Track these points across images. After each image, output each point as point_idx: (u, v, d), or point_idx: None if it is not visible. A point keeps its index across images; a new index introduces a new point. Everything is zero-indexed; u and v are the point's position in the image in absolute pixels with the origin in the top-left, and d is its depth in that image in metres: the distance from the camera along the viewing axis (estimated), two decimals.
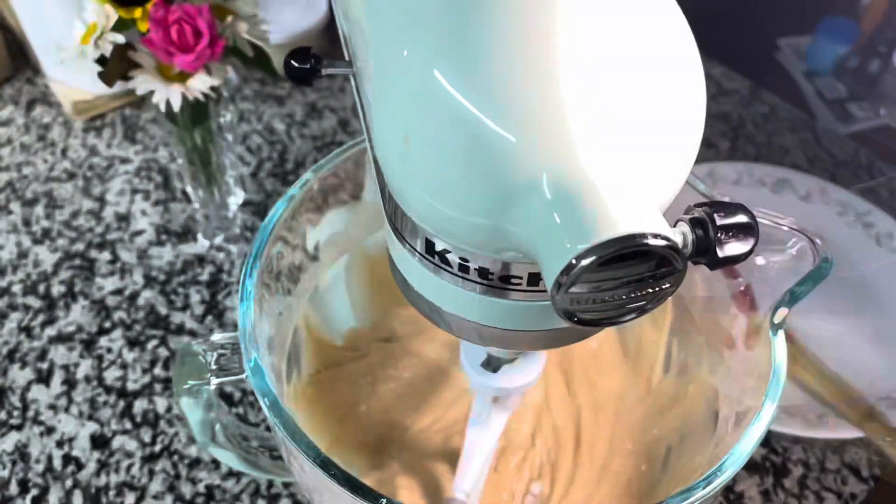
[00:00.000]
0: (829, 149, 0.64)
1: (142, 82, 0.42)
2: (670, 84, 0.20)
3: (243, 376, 0.31)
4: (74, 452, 0.44)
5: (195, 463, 0.44)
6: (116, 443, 0.45)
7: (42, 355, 0.49)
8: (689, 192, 0.34)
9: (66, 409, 0.46)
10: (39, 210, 0.57)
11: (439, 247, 0.22)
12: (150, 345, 0.49)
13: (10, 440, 0.45)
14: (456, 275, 0.22)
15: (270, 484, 0.43)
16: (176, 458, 0.44)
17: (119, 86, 0.43)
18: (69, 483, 0.43)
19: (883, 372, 0.45)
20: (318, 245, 0.39)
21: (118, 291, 0.52)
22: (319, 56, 0.25)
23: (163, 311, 0.51)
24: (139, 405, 0.46)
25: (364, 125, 0.25)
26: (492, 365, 0.31)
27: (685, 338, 0.38)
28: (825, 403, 0.43)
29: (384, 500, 0.26)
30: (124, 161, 0.61)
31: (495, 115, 0.18)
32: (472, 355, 0.32)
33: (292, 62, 0.25)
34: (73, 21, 0.41)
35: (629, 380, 0.41)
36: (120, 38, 0.40)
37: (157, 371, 0.48)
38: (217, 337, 0.32)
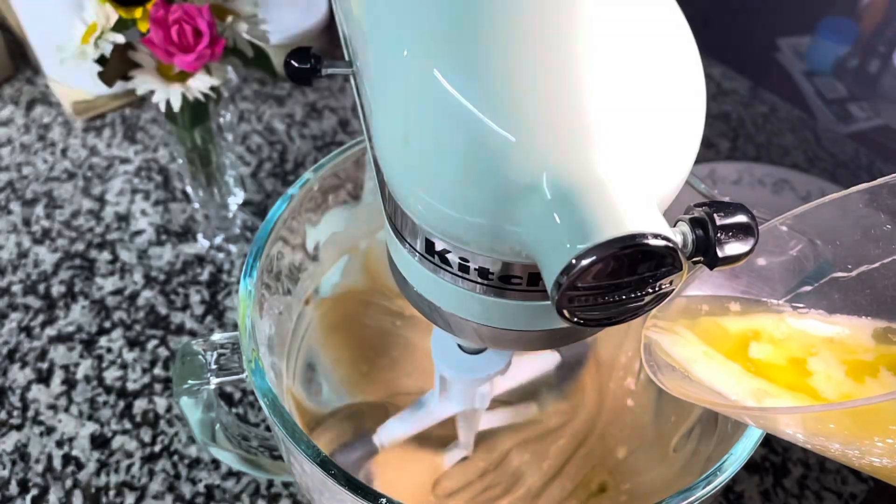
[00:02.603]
0: (829, 149, 0.64)
1: (142, 82, 0.42)
2: (670, 84, 0.20)
3: (243, 376, 0.31)
4: (74, 452, 0.44)
5: (195, 463, 0.44)
6: (116, 443, 0.45)
7: (42, 355, 0.49)
8: (689, 192, 0.34)
9: (66, 409, 0.46)
10: (39, 210, 0.57)
11: (439, 247, 0.22)
12: (150, 345, 0.49)
13: (10, 440, 0.45)
14: (456, 274, 0.22)
15: (270, 484, 0.43)
16: (176, 458, 0.44)
17: (119, 86, 0.43)
18: (69, 483, 0.43)
19: None
20: (318, 245, 0.39)
21: (118, 291, 0.52)
22: (319, 56, 0.25)
23: (163, 311, 0.51)
24: (139, 405, 0.46)
25: (364, 125, 0.25)
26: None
27: None
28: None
29: (384, 500, 0.26)
30: (124, 161, 0.61)
31: (495, 115, 0.18)
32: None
33: (292, 62, 0.25)
34: (73, 21, 0.41)
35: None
36: (120, 38, 0.40)
37: (157, 371, 0.48)
38: (217, 337, 0.32)
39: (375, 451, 0.37)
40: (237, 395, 0.47)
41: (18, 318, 0.51)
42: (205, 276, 0.53)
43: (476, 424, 0.37)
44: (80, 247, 0.55)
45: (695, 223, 0.18)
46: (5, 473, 0.43)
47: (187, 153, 0.49)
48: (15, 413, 0.46)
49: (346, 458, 0.37)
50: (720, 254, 0.18)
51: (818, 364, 0.25)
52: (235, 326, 0.36)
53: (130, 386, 0.47)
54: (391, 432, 0.37)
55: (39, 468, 0.44)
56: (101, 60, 0.41)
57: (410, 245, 0.23)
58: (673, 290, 0.18)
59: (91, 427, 0.45)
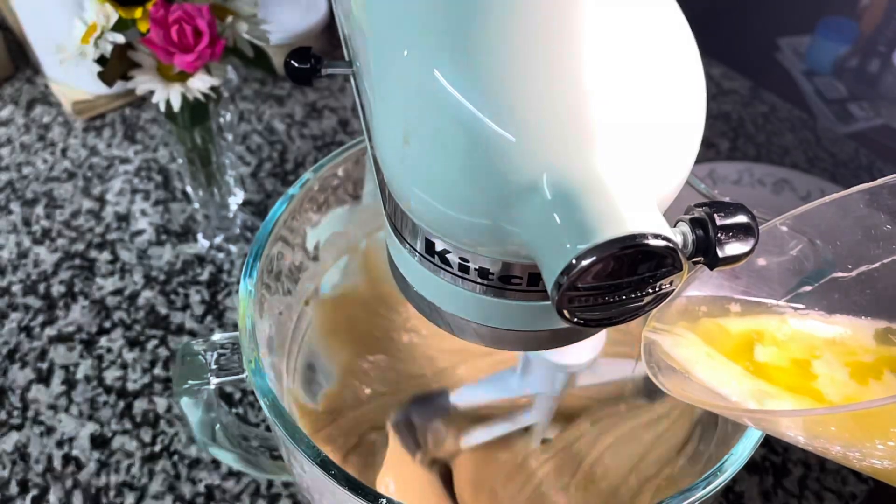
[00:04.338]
0: (829, 149, 0.64)
1: (142, 82, 0.42)
2: (670, 84, 0.20)
3: (243, 376, 0.31)
4: (74, 452, 0.44)
5: (195, 463, 0.44)
6: (116, 443, 0.45)
7: (42, 355, 0.49)
8: (690, 192, 0.34)
9: (66, 409, 0.46)
10: (39, 210, 0.57)
11: (439, 247, 0.22)
12: (150, 345, 0.49)
13: (10, 440, 0.45)
14: (456, 275, 0.22)
15: (270, 484, 0.43)
16: (176, 458, 0.44)
17: (119, 86, 0.43)
18: (69, 483, 0.43)
19: None
20: (318, 245, 0.39)
21: (118, 291, 0.52)
22: (319, 56, 0.25)
23: (163, 311, 0.51)
24: (139, 405, 0.46)
25: (364, 125, 0.25)
26: None
27: None
28: None
29: (384, 500, 0.26)
30: (124, 161, 0.61)
31: (495, 115, 0.18)
32: None
33: (292, 62, 0.25)
34: (73, 21, 0.41)
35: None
36: (120, 38, 0.40)
37: (157, 371, 0.48)
38: (217, 337, 0.32)
39: (448, 411, 0.38)
40: (237, 395, 0.47)
41: (18, 318, 0.51)
42: (205, 276, 0.53)
43: (551, 411, 0.37)
44: (80, 247, 0.55)
45: (695, 223, 0.18)
46: (5, 473, 0.43)
47: (187, 153, 0.49)
48: (15, 413, 0.46)
49: (421, 408, 0.38)
50: (720, 254, 0.18)
51: (822, 367, 0.24)
52: (235, 326, 0.36)
53: (130, 386, 0.47)
54: (468, 395, 0.38)
55: (39, 468, 0.44)
56: (101, 60, 0.41)
57: (410, 245, 0.23)
58: (673, 290, 0.18)
59: (91, 427, 0.45)
